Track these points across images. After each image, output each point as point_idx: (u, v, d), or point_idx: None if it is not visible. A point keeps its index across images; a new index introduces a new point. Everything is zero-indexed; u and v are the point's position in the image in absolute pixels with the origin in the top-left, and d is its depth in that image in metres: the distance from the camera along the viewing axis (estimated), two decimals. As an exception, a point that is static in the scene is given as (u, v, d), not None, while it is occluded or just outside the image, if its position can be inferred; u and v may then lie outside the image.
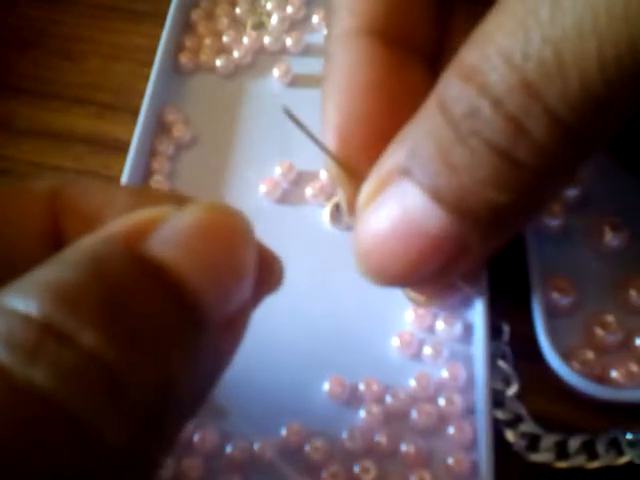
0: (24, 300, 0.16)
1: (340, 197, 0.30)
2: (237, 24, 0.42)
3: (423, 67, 0.30)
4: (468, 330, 0.32)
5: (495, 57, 0.22)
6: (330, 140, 0.29)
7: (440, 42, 0.30)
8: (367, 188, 0.27)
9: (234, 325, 0.21)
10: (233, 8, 0.42)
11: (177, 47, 0.41)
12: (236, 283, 0.20)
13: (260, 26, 0.41)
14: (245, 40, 0.41)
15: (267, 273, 0.22)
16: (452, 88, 0.24)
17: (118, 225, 0.19)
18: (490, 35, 0.23)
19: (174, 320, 0.18)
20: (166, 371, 0.17)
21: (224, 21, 0.41)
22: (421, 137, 0.25)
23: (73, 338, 0.16)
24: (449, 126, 0.24)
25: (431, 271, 0.27)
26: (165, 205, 0.20)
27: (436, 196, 0.25)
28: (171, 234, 0.19)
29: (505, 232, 0.27)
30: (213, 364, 0.20)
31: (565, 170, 0.24)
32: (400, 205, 0.26)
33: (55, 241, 0.22)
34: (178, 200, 0.21)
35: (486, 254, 0.28)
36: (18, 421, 0.15)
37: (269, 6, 0.42)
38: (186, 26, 0.42)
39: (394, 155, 0.26)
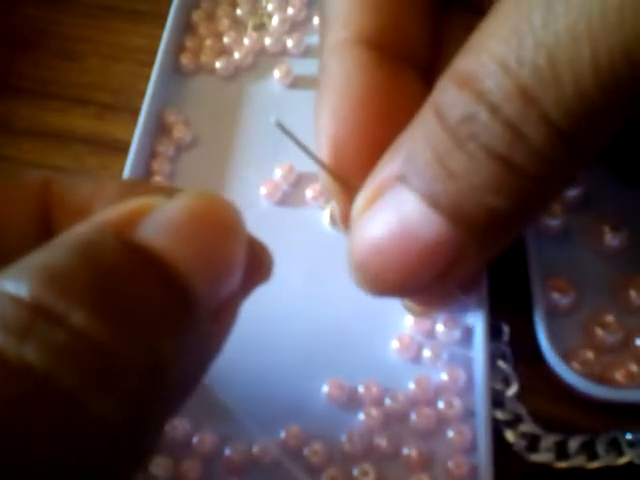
0: (15, 283, 0.17)
1: (333, 208, 0.30)
2: (238, 25, 0.42)
3: (418, 77, 0.30)
4: (468, 333, 0.32)
5: (490, 63, 0.22)
6: (323, 151, 0.29)
7: (435, 52, 0.30)
8: (362, 197, 0.27)
9: (223, 314, 0.21)
10: (234, 9, 0.42)
11: (178, 48, 0.41)
12: (225, 270, 0.20)
13: (261, 27, 0.41)
14: (246, 41, 0.41)
15: (257, 264, 0.23)
16: (448, 94, 0.24)
17: (109, 213, 0.19)
18: (485, 41, 0.23)
19: (164, 303, 0.18)
20: (155, 352, 0.17)
21: (225, 22, 0.41)
22: (417, 143, 0.25)
23: (63, 318, 0.16)
24: (445, 132, 0.24)
25: (428, 279, 0.26)
26: (156, 195, 0.20)
27: (433, 202, 0.24)
28: (161, 221, 0.19)
29: (502, 239, 0.27)
30: (202, 351, 0.20)
31: (563, 175, 0.24)
32: (396, 212, 0.25)
33: (46, 233, 0.22)
34: (168, 192, 0.22)
35: (483, 262, 0.28)
36: (9, 398, 0.15)
37: (270, 7, 0.42)
38: (187, 27, 0.42)
39: (390, 163, 0.26)
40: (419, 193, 0.25)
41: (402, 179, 0.25)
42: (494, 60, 0.22)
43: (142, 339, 0.17)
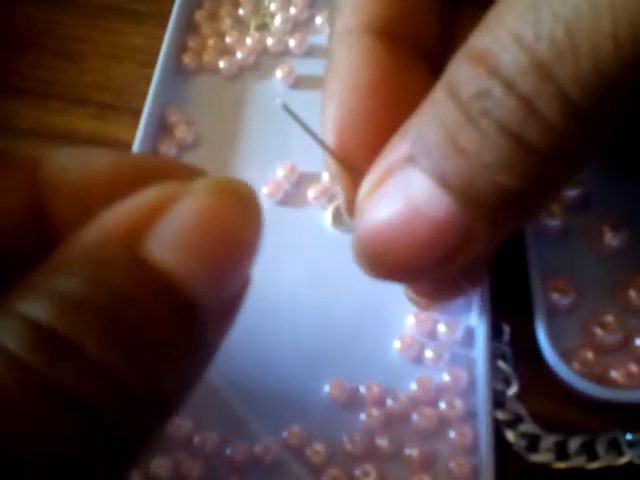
0: (33, 307, 0.17)
1: (339, 195, 0.30)
2: (240, 25, 0.42)
3: (427, 67, 0.30)
4: (469, 333, 0.32)
5: (506, 38, 0.22)
6: (329, 136, 0.28)
7: (445, 45, 0.30)
8: (369, 180, 0.26)
9: (225, 318, 0.21)
10: (236, 9, 0.42)
11: (180, 48, 0.41)
12: (236, 277, 0.20)
13: (263, 27, 0.41)
14: (248, 41, 0.41)
15: None
16: (462, 71, 0.23)
17: (116, 217, 0.19)
18: (501, 18, 0.22)
19: (174, 327, 0.18)
20: (162, 380, 0.18)
21: (227, 22, 0.42)
22: (427, 123, 0.24)
23: (78, 347, 0.17)
24: (458, 109, 0.23)
25: (434, 262, 0.26)
26: (162, 184, 0.19)
27: (442, 181, 0.24)
28: (170, 231, 0.18)
29: (512, 221, 0.26)
30: (204, 360, 0.20)
31: (577, 155, 0.24)
32: (404, 193, 0.25)
33: (39, 214, 0.22)
34: (167, 169, 0.22)
35: (491, 246, 0.27)
36: (31, 412, 0.16)
37: (272, 7, 0.42)
38: (189, 27, 0.42)
39: (398, 145, 0.25)
40: (428, 173, 0.24)
41: (411, 159, 0.25)
42: (510, 35, 0.22)
43: (148, 366, 0.17)
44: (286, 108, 0.26)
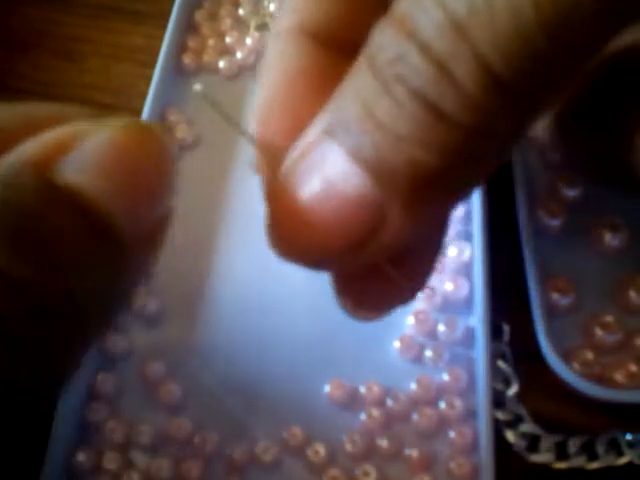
0: None
1: (261, 184, 0.28)
2: (240, 25, 0.42)
3: None
4: (469, 333, 0.32)
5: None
6: (253, 126, 0.26)
7: None
8: (288, 160, 0.24)
9: (151, 240, 0.21)
10: (236, 9, 0.42)
11: (180, 48, 0.41)
12: (151, 202, 0.20)
13: (263, 27, 0.41)
14: (248, 41, 0.41)
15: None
16: (380, 37, 0.21)
17: (28, 149, 0.19)
18: None
19: (86, 241, 0.18)
20: (74, 291, 0.18)
21: (227, 22, 0.42)
22: (346, 94, 0.22)
23: None
24: (374, 76, 0.21)
25: (348, 245, 0.23)
26: (77, 123, 0.19)
27: (357, 156, 0.22)
28: (83, 157, 0.19)
29: (432, 203, 0.23)
30: (126, 280, 0.20)
31: (503, 130, 0.21)
32: (320, 168, 0.23)
33: None
34: (96, 118, 0.21)
35: (410, 233, 0.23)
36: None
37: (272, 7, 0.42)
38: (189, 27, 0.42)
39: (320, 120, 0.23)
40: (345, 147, 0.22)
41: (329, 132, 0.23)
42: None
43: (59, 273, 0.18)
44: (203, 95, 0.25)
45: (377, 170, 0.21)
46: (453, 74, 0.20)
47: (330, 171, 0.22)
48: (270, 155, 0.26)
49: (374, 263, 0.25)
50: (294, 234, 0.24)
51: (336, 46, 0.27)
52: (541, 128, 0.29)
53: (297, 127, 0.25)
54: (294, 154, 0.24)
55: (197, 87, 0.25)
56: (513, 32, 0.19)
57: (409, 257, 0.25)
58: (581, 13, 0.18)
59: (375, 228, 0.23)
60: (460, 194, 0.24)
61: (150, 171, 0.19)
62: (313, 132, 0.24)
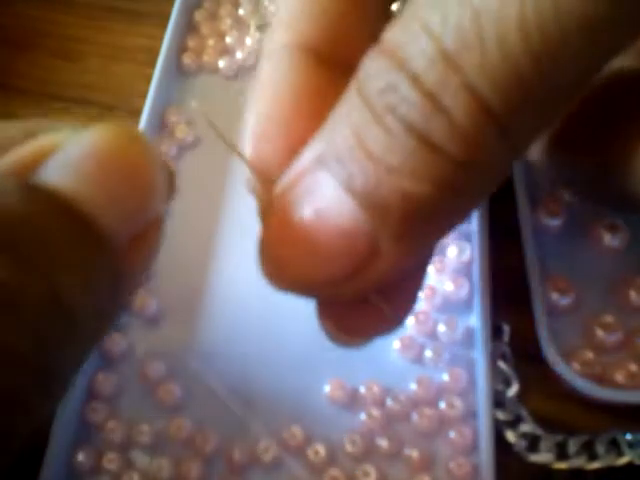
0: None
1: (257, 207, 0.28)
2: (240, 25, 0.42)
3: None
4: (469, 333, 0.32)
5: (415, 27, 0.20)
6: (246, 146, 0.27)
7: None
8: (281, 185, 0.24)
9: (142, 243, 0.20)
10: (236, 9, 0.42)
11: (180, 48, 0.41)
12: (139, 202, 0.20)
13: (263, 27, 0.41)
14: (248, 41, 0.41)
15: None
16: (371, 66, 0.21)
17: (11, 156, 0.19)
18: (414, 10, 0.21)
19: (67, 240, 0.18)
20: (53, 285, 0.18)
21: (227, 22, 0.42)
22: (337, 122, 0.22)
23: None
24: (365, 105, 0.21)
25: (338, 276, 0.23)
26: (59, 132, 0.19)
27: (348, 187, 0.22)
28: (64, 161, 0.19)
29: (423, 235, 0.23)
30: (117, 282, 0.20)
31: (495, 161, 0.21)
32: (311, 198, 0.23)
33: None
34: (75, 128, 0.21)
35: (401, 265, 0.23)
36: None
37: (272, 7, 0.42)
38: (189, 27, 0.42)
39: (313, 147, 0.23)
40: (336, 176, 0.22)
41: (321, 161, 0.22)
42: (419, 24, 0.20)
43: (41, 272, 0.17)
44: (202, 113, 0.25)
45: (368, 201, 0.21)
46: (443, 104, 0.20)
47: (321, 201, 0.22)
48: (263, 177, 0.26)
49: (363, 293, 0.24)
50: (284, 262, 0.24)
51: (332, 63, 0.27)
52: (534, 152, 0.29)
53: (291, 147, 0.25)
54: (286, 180, 0.24)
55: (195, 105, 0.25)
56: (500, 57, 0.19)
57: (395, 285, 0.24)
58: (570, 50, 0.19)
59: (366, 259, 0.22)
60: (452, 225, 0.24)
61: (132, 171, 0.19)
62: (305, 159, 0.23)
